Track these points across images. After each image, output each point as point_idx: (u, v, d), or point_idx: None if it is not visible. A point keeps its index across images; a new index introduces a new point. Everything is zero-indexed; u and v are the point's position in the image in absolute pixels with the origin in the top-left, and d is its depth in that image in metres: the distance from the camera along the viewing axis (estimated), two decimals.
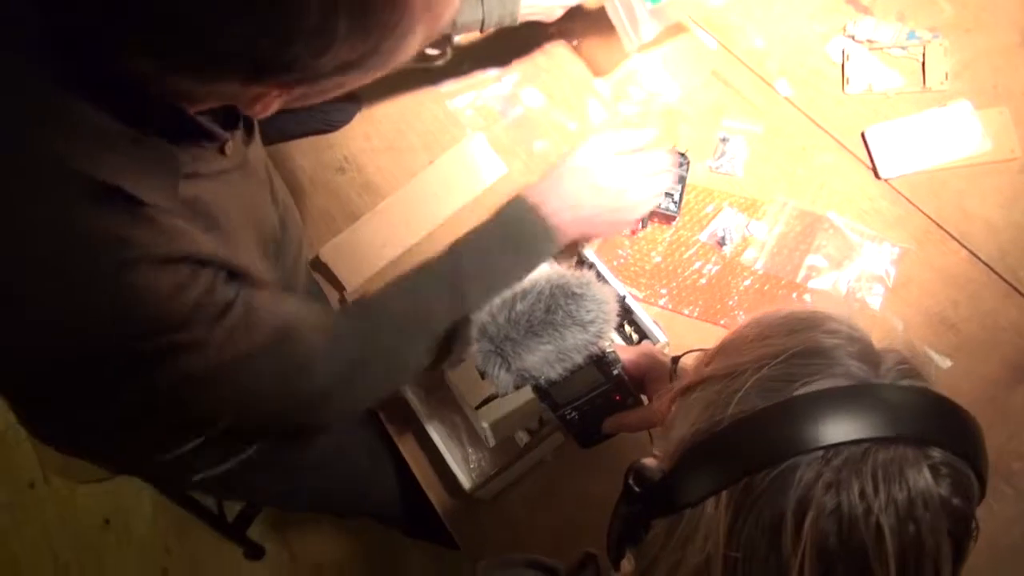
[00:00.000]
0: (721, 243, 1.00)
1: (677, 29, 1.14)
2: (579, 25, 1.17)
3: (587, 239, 0.98)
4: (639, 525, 0.50)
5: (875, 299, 0.94)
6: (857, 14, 1.08)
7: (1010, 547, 0.79)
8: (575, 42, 1.19)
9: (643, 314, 0.94)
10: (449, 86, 1.20)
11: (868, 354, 0.46)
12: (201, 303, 0.61)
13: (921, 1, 1.08)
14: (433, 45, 1.03)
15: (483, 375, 0.72)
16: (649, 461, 0.50)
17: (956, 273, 0.93)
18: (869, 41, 1.06)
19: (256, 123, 0.79)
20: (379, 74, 0.59)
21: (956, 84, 1.01)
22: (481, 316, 0.72)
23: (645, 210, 0.96)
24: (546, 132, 1.14)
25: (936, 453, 0.42)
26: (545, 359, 0.70)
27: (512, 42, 1.18)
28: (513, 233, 0.88)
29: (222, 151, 0.68)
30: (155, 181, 0.57)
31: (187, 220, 0.60)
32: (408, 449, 1.01)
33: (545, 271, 0.73)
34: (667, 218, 1.02)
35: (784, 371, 0.45)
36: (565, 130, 1.13)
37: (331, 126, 1.21)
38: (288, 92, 0.57)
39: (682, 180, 1.01)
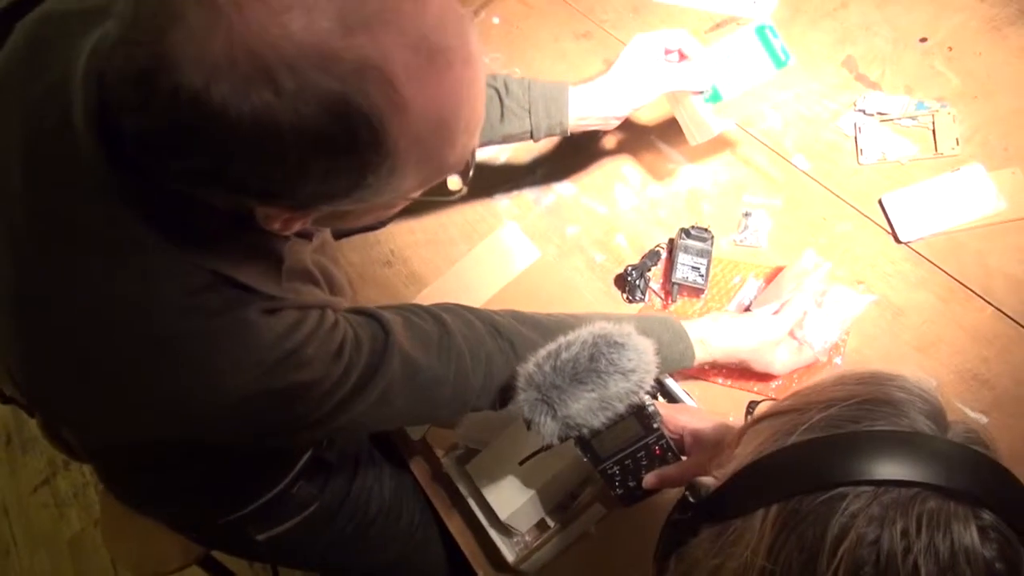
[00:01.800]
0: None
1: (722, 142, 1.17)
2: (630, 134, 1.24)
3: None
4: (688, 530, 0.52)
5: None
6: (866, 89, 1.14)
7: None
8: (630, 154, 1.23)
9: (674, 384, 0.97)
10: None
11: (937, 414, 0.47)
12: (316, 333, 0.71)
13: (927, 73, 1.12)
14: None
15: (529, 425, 0.76)
16: (707, 479, 0.52)
17: (984, 330, 0.94)
18: (879, 114, 1.10)
19: None
20: (385, 205, 0.67)
21: (967, 148, 1.04)
22: (527, 367, 0.76)
23: (775, 370, 0.95)
24: (577, 218, 1.20)
25: (987, 516, 0.42)
26: (589, 407, 0.73)
27: (548, 149, 1.27)
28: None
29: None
30: (259, 268, 0.69)
31: (294, 283, 0.73)
32: (455, 525, 1.04)
33: (587, 326, 0.77)
34: (695, 291, 1.06)
35: (852, 413, 0.46)
36: (595, 215, 1.19)
37: (377, 225, 1.30)
38: (297, 215, 0.64)
39: (707, 255, 1.05)
